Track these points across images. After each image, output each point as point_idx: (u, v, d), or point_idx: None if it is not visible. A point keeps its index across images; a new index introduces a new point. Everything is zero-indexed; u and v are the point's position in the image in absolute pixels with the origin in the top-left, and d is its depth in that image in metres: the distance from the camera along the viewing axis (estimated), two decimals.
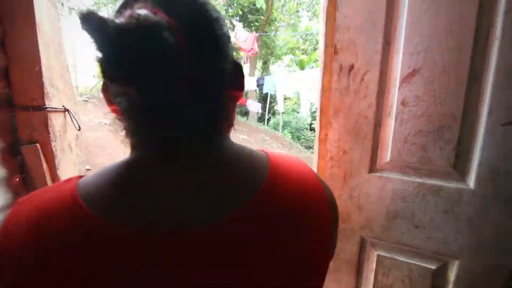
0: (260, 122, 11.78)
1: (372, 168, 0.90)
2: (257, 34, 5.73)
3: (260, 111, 9.97)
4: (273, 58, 16.55)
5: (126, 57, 0.26)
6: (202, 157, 0.35)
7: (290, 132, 11.63)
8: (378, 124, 0.88)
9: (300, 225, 0.35)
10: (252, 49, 5.45)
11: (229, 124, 0.40)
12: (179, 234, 0.29)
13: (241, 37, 5.55)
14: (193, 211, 0.31)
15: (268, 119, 12.03)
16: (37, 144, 0.99)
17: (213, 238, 0.30)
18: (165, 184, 0.32)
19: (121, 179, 0.33)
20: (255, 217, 0.32)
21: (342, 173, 0.94)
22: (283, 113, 10.29)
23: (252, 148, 0.41)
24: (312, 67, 15.69)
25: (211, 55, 0.34)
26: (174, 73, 0.29)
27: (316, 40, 16.10)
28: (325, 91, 0.96)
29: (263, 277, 0.31)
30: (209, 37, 0.34)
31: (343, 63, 0.88)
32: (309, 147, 11.26)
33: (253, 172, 0.36)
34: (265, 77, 7.12)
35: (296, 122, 11.79)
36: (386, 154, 0.88)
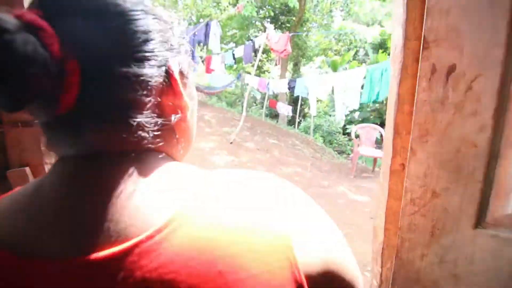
0: (290, 125, 11.45)
1: (479, 222, 0.60)
2: (291, 34, 5.43)
3: (290, 114, 9.66)
4: (304, 59, 16.15)
5: None
6: (99, 183, 0.28)
7: (321, 136, 11.19)
8: (494, 157, 0.57)
9: None
10: (285, 50, 5.14)
11: (161, 141, 0.32)
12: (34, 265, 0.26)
13: (273, 38, 5.27)
14: (50, 243, 0.26)
15: (299, 122, 11.65)
16: (26, 168, 0.80)
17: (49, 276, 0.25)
18: (50, 210, 0.28)
19: (21, 203, 0.30)
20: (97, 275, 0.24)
21: (429, 224, 0.64)
22: (314, 116, 9.87)
23: (196, 176, 0.31)
24: (345, 68, 15.05)
25: (109, 59, 0.28)
26: (32, 84, 0.24)
27: (350, 40, 15.46)
28: (403, 103, 0.67)
29: None
30: (105, 38, 0.28)
31: (438, 62, 0.59)
32: (342, 152, 10.74)
33: (147, 215, 0.26)
34: (297, 79, 6.80)
35: (328, 126, 11.30)
36: (506, 203, 0.57)
